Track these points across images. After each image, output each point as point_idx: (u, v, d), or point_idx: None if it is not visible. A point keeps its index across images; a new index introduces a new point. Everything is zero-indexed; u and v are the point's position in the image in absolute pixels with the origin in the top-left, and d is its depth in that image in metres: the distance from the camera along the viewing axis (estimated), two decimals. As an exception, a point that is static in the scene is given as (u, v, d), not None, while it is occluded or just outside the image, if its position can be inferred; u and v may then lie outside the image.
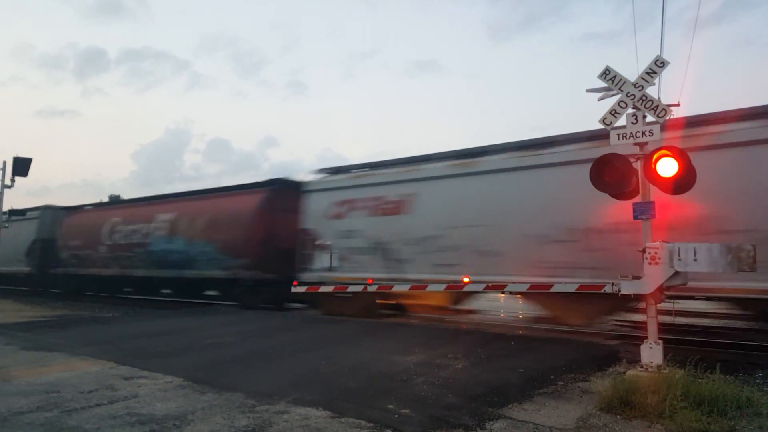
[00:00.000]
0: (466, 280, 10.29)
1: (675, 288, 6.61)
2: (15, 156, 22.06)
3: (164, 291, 20.68)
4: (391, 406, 5.45)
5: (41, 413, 5.25)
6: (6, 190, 22.57)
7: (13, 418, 5.10)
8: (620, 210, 7.69)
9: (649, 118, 6.50)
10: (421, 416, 5.15)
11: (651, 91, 6.56)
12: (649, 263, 6.23)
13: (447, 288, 10.57)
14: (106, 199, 28.82)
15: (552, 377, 6.69)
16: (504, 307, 16.15)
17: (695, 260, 6.02)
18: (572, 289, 8.44)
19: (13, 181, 22.48)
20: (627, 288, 6.43)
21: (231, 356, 8.15)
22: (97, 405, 5.53)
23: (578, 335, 10.15)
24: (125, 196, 28.98)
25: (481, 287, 10.22)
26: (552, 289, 9.04)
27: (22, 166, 22.34)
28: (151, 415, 5.18)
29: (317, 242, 13.71)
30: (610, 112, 6.68)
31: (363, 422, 4.95)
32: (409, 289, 11.12)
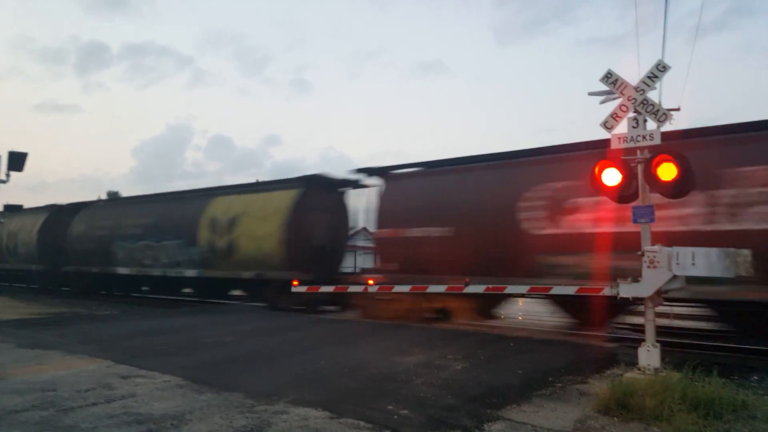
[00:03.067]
0: None
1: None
2: (10, 150, 21.94)
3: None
4: (390, 407, 5.46)
5: (37, 412, 5.23)
6: (2, 186, 22.47)
7: (9, 417, 5.08)
8: None
9: (650, 123, 6.52)
10: (420, 417, 5.16)
11: (652, 95, 6.59)
12: (648, 267, 6.25)
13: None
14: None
15: (550, 379, 6.71)
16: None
17: (693, 264, 6.05)
18: (572, 291, 8.45)
19: (8, 175, 22.34)
20: (626, 291, 6.45)
21: (230, 356, 8.14)
22: (94, 404, 5.51)
23: (576, 337, 10.19)
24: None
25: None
26: (551, 292, 9.06)
27: (17, 161, 22.15)
28: (149, 414, 5.17)
29: None
30: (612, 116, 6.69)
31: (362, 423, 4.95)
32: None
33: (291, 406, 5.44)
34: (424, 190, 13.07)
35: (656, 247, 6.25)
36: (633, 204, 6.56)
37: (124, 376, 6.72)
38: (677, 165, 6.11)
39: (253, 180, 17.02)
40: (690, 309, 11.95)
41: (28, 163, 22.20)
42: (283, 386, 6.22)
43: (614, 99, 6.70)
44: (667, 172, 6.13)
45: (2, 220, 24.14)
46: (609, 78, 6.69)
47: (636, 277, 6.39)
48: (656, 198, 6.61)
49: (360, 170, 14.86)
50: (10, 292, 22.91)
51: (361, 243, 26.01)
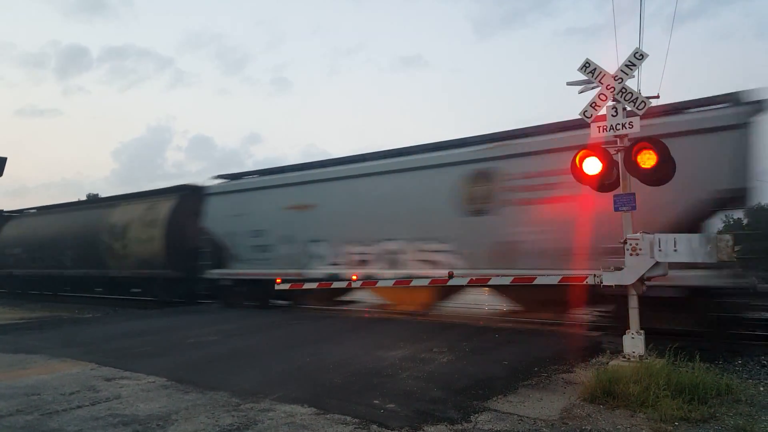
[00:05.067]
0: None
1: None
2: (-11, 155, 21.60)
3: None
4: (376, 402, 5.45)
5: (21, 416, 5.17)
6: (-18, 191, 22.18)
7: (-8, 422, 5.01)
8: None
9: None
10: (406, 411, 5.15)
11: (631, 83, 6.62)
12: (630, 254, 6.29)
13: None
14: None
15: (536, 369, 6.74)
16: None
17: (675, 251, 6.09)
18: (555, 281, 8.47)
19: (-12, 180, 22.01)
20: (608, 279, 6.49)
21: (214, 355, 8.08)
22: (79, 407, 5.45)
23: (561, 327, 10.24)
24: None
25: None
26: (536, 282, 9.07)
27: (-4, 166, 21.85)
28: (134, 415, 5.13)
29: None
30: (591, 105, 6.72)
31: (348, 418, 4.94)
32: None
33: (277, 404, 5.41)
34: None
35: (638, 235, 6.29)
36: (614, 192, 6.60)
37: (109, 378, 6.65)
38: (656, 152, 6.15)
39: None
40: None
41: (9, 168, 21.97)
42: (268, 384, 6.19)
43: (593, 88, 6.72)
44: (647, 159, 6.17)
45: None
46: (587, 67, 6.71)
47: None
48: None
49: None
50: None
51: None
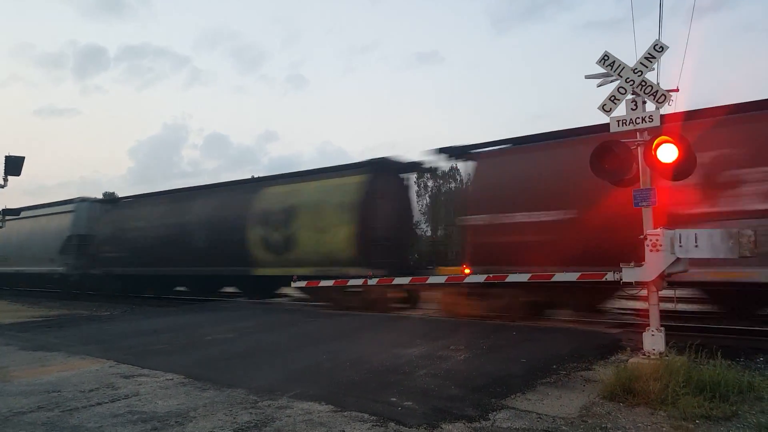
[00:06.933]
0: None
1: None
2: (7, 155, 21.86)
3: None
4: (393, 399, 5.43)
5: (42, 413, 5.23)
6: (0, 190, 22.43)
7: (15, 418, 5.07)
8: None
9: (649, 104, 6.44)
10: (424, 408, 5.13)
11: (650, 77, 6.50)
12: (650, 250, 6.19)
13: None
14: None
15: (554, 366, 6.67)
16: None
17: (696, 246, 5.98)
18: (574, 278, 8.40)
19: (6, 180, 22.25)
20: (628, 276, 6.40)
21: (231, 352, 8.12)
22: (98, 404, 5.50)
23: (580, 324, 10.15)
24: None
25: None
26: (554, 279, 9.01)
27: (14, 165, 22.05)
28: (153, 412, 5.16)
29: None
30: (610, 99, 6.60)
31: (366, 415, 4.92)
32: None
33: (294, 401, 5.42)
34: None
35: (659, 231, 6.19)
36: (633, 187, 6.49)
37: (127, 376, 6.71)
38: (678, 146, 6.03)
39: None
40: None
41: (28, 168, 22.49)
42: (285, 381, 6.20)
43: (612, 81, 6.61)
44: (668, 153, 6.05)
45: (1, 225, 24.13)
46: (606, 60, 6.60)
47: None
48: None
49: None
50: (11, 296, 22.98)
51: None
